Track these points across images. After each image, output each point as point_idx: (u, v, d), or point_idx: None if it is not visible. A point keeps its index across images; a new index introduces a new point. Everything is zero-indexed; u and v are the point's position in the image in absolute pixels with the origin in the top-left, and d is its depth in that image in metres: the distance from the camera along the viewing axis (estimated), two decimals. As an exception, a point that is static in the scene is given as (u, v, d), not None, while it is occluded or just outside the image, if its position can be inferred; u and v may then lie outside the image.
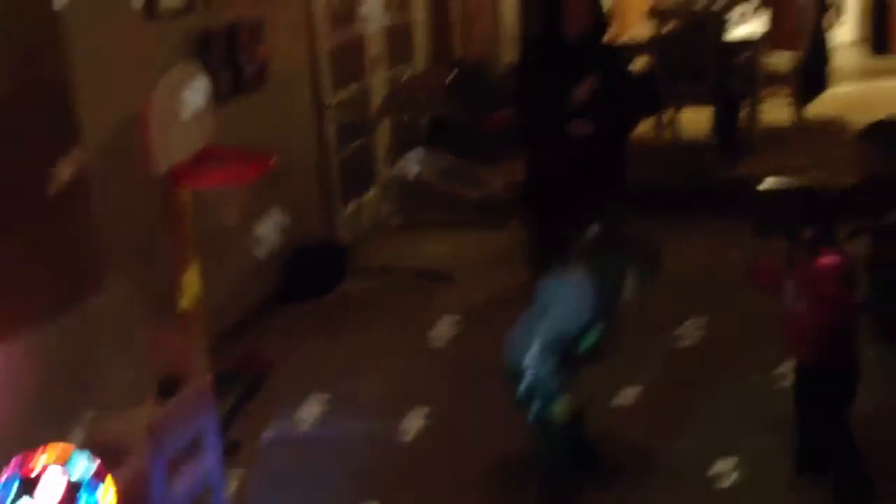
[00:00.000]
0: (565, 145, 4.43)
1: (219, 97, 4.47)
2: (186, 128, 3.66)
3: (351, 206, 6.09)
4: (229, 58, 4.66)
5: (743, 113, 7.14)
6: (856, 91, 9.07)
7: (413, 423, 3.90)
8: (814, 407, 3.33)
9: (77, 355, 3.60)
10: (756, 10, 7.96)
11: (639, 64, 7.57)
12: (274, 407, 4.20)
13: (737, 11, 7.61)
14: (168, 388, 3.51)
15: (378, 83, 6.43)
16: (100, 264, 3.71)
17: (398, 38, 6.98)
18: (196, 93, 3.80)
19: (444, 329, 4.74)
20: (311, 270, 5.42)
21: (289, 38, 5.33)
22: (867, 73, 9.92)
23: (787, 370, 3.43)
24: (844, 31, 11.51)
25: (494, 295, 5.17)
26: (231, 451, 3.83)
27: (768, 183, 6.20)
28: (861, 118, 7.79)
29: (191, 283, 3.84)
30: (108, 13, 3.80)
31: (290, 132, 5.37)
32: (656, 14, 6.96)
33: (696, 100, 6.94)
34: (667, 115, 7.41)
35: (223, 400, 4.02)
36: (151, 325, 3.78)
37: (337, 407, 4.11)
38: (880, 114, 7.98)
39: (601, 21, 4.56)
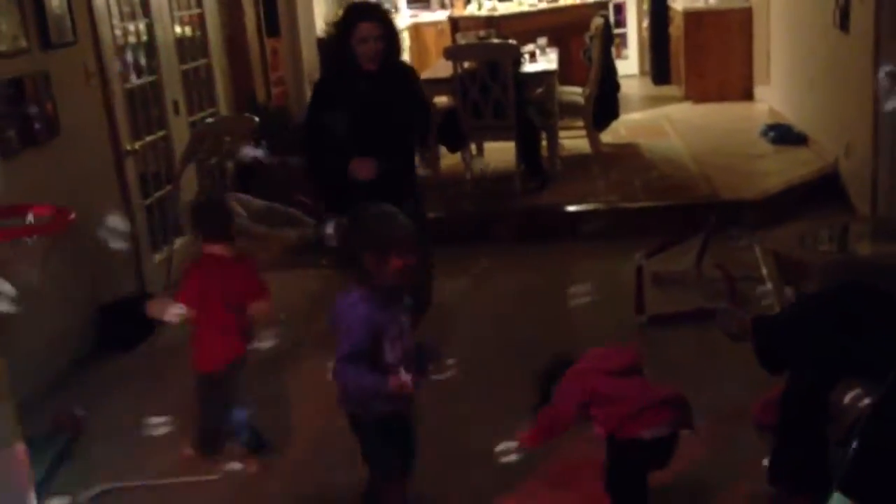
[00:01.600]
0: (353, 184, 4.28)
1: (7, 153, 4.32)
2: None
3: (159, 255, 5.89)
4: (14, 113, 4.43)
5: (544, 143, 7.43)
6: (644, 118, 9.66)
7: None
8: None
9: None
10: (545, 48, 8.35)
11: (442, 102, 7.77)
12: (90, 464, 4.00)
13: (527, 49, 7.96)
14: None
15: (181, 129, 6.29)
16: None
17: (199, 82, 6.86)
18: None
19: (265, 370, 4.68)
20: (121, 324, 5.21)
21: (80, 87, 5.13)
22: (652, 101, 10.60)
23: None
24: (629, 64, 12.35)
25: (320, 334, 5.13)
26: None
27: (575, 206, 6.53)
28: (650, 142, 8.39)
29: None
30: None
31: (90, 182, 5.15)
32: (453, 52, 7.15)
33: (500, 133, 7.16)
34: (471, 149, 7.66)
35: (36, 466, 3.80)
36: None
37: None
38: (668, 137, 8.62)
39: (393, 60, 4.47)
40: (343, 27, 4.30)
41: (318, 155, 4.54)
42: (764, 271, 4.91)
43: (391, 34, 4.38)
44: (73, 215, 3.64)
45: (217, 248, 3.81)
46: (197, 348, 3.82)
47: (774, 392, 3.51)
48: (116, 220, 3.72)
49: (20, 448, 3.21)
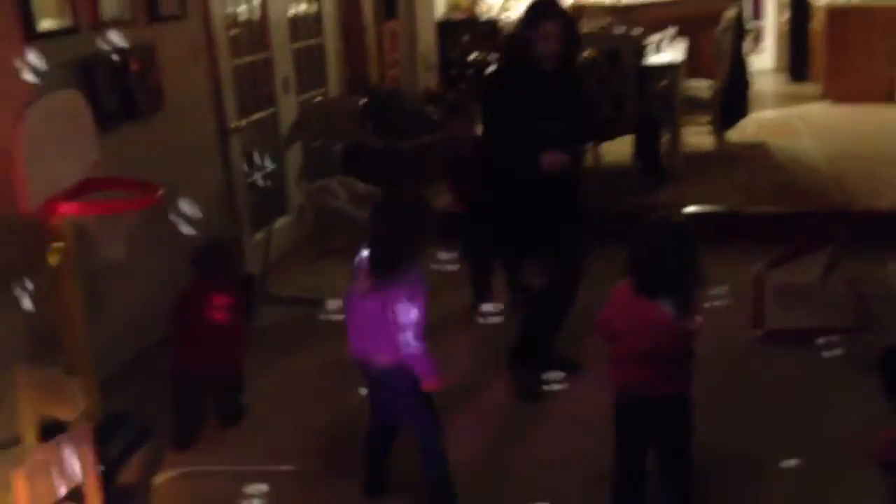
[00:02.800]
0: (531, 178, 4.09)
1: (108, 123, 4.23)
2: (62, 158, 3.39)
3: (259, 235, 5.81)
4: (118, 83, 4.37)
5: (664, 139, 7.06)
6: (776, 116, 9.13)
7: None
8: None
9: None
10: (673, 38, 7.93)
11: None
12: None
13: (653, 39, 7.56)
14: (49, 431, 3.25)
15: (288, 108, 6.19)
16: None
17: (310, 62, 6.76)
18: (76, 120, 3.53)
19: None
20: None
21: (186, 62, 5.05)
22: (787, 99, 10.03)
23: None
24: (764, 59, 11.73)
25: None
26: (120, 501, 3.55)
27: (693, 207, 6.15)
28: (781, 142, 7.89)
29: (74, 320, 3.56)
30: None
31: (192, 157, 5.09)
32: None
33: (617, 127, 6.82)
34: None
35: (112, 445, 3.74)
36: (31, 366, 3.47)
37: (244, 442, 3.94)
38: (800, 137, 8.10)
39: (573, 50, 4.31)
40: (527, 23, 4.14)
41: (499, 144, 4.32)
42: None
43: (572, 36, 4.21)
44: (160, 192, 3.54)
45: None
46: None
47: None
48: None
49: (90, 426, 3.13)
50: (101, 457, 3.47)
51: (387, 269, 3.19)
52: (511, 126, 4.14)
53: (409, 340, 3.17)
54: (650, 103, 6.87)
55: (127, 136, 4.44)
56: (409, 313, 3.15)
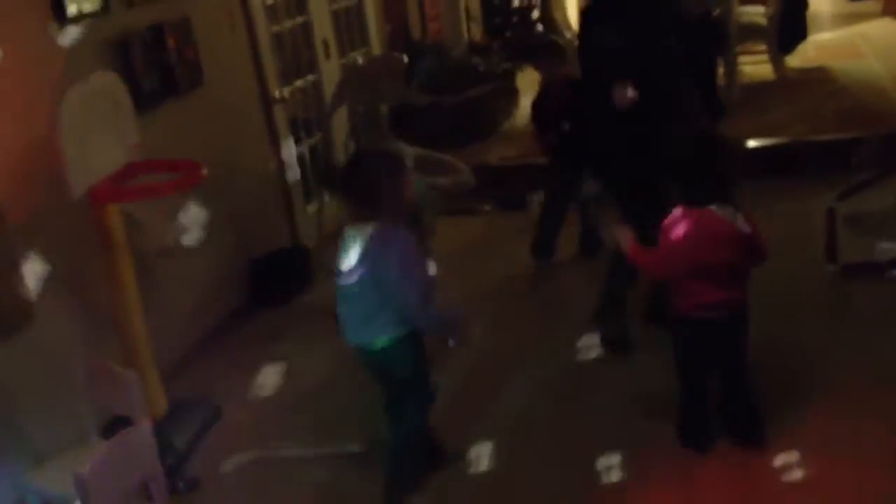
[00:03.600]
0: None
1: (148, 103, 4.15)
2: (104, 142, 3.32)
3: (311, 207, 5.73)
4: (155, 60, 4.28)
5: (721, 69, 6.79)
6: (836, 37, 8.76)
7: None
8: None
9: (7, 396, 3.27)
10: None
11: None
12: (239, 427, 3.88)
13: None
14: (113, 427, 3.22)
15: (331, 72, 6.06)
16: (25, 295, 3.35)
17: (350, 22, 6.61)
18: (114, 103, 3.46)
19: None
20: (275, 277, 5.08)
21: (222, 32, 4.95)
22: (845, 19, 9.62)
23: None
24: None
25: (478, 285, 4.85)
26: (190, 489, 3.52)
27: (756, 141, 5.92)
28: (844, 65, 7.56)
29: (131, 310, 3.52)
30: (9, 17, 3.43)
31: (237, 131, 5.01)
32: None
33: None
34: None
35: (181, 433, 3.71)
36: (90, 359, 3.43)
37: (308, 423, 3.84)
38: (863, 58, 7.75)
39: None
40: None
41: (592, 76, 4.07)
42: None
43: None
44: (203, 171, 3.46)
45: None
46: None
47: None
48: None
49: (150, 422, 3.08)
50: (169, 448, 3.46)
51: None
52: (595, 58, 3.93)
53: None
54: (703, 31, 6.59)
55: (168, 114, 4.36)
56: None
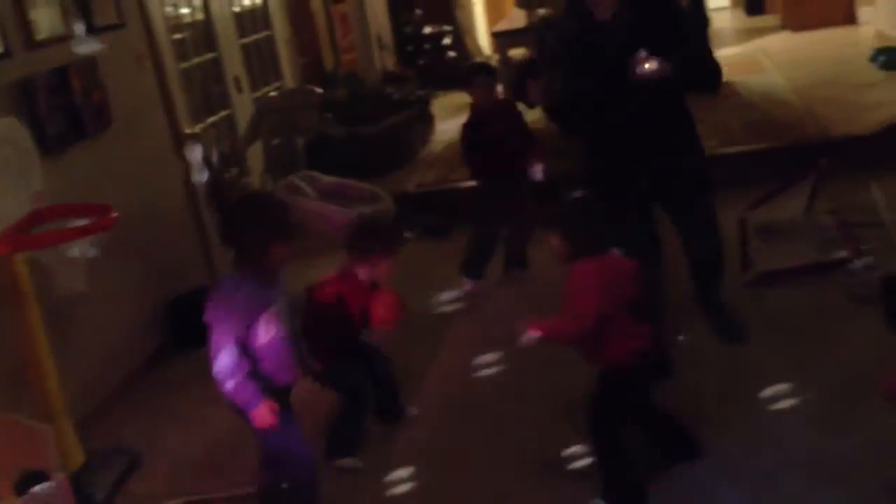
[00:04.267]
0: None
1: (54, 148, 4.08)
2: (6, 189, 3.23)
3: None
4: (60, 104, 4.19)
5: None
6: (739, 52, 9.01)
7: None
8: None
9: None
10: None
11: (518, 54, 7.33)
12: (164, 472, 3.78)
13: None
14: (27, 483, 3.11)
15: (244, 106, 6.02)
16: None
17: (262, 56, 6.58)
18: (16, 149, 3.37)
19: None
20: (194, 317, 4.97)
21: (130, 71, 4.88)
22: (746, 34, 9.92)
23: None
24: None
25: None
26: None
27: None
28: (747, 79, 7.77)
29: (41, 360, 3.41)
30: None
31: (149, 171, 4.93)
32: (524, 1, 6.70)
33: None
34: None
35: (100, 484, 3.60)
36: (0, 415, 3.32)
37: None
38: (766, 72, 7.98)
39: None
40: None
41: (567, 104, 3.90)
42: (885, 219, 4.37)
43: None
44: (114, 214, 3.39)
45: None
46: None
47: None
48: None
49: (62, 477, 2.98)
50: (88, 500, 3.36)
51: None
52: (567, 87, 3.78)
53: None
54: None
55: (76, 158, 4.28)
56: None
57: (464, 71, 5.30)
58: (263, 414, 2.91)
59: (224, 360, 2.86)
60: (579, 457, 3.12)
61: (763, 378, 3.68)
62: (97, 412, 4.18)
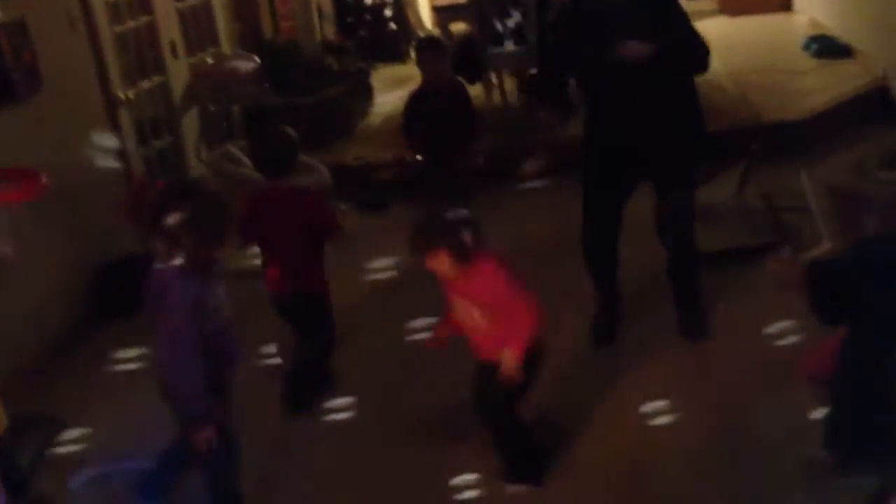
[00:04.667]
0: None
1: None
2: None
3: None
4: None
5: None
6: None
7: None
8: None
9: None
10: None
11: (459, 29, 7.30)
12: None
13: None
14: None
15: (179, 72, 5.90)
16: None
17: (198, 21, 6.45)
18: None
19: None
20: (122, 285, 4.90)
21: (62, 34, 4.75)
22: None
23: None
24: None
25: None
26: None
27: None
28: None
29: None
30: None
31: (80, 136, 4.80)
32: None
33: (520, 61, 6.70)
34: (494, 77, 7.18)
35: (24, 450, 3.55)
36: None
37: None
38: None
39: None
40: None
41: (566, 43, 3.93)
42: (813, 205, 4.48)
43: None
44: (44, 179, 3.32)
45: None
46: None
47: (828, 342, 3.14)
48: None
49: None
50: (12, 466, 3.31)
51: None
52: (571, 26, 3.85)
53: None
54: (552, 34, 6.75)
55: (5, 121, 4.16)
56: None
57: (415, 45, 5.27)
58: (205, 438, 2.86)
59: (180, 355, 2.81)
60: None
61: (684, 358, 3.79)
62: (19, 378, 4.10)
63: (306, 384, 3.83)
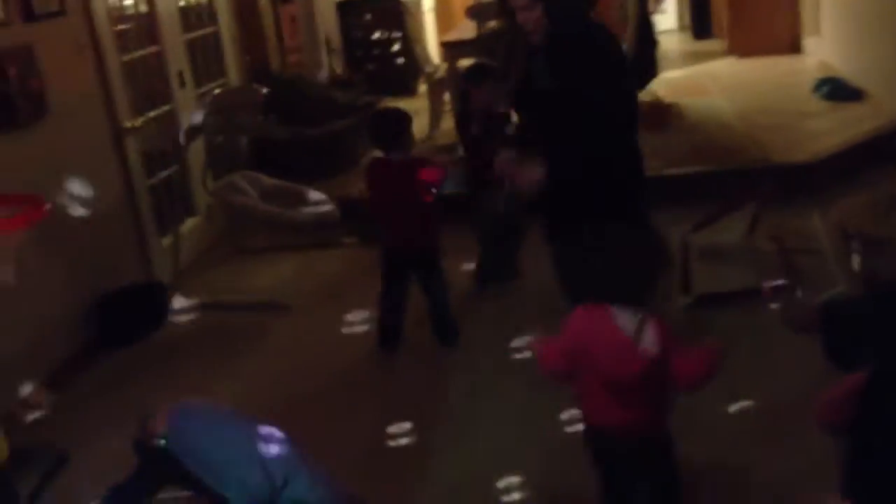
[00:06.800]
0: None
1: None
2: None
3: (166, 239, 5.52)
4: (-5, 92, 4.05)
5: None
6: (685, 75, 9.11)
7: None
8: None
9: None
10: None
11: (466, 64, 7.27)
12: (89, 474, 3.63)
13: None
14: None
15: (186, 102, 5.88)
16: None
17: (206, 52, 6.44)
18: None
19: (281, 368, 4.33)
20: (126, 315, 4.86)
21: (69, 61, 4.73)
22: (693, 57, 10.04)
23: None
24: (667, 18, 11.76)
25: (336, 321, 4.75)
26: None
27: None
28: (693, 102, 7.85)
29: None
30: None
31: (85, 163, 4.78)
32: (476, 12, 6.67)
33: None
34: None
35: (25, 481, 3.47)
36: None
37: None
38: (711, 95, 8.07)
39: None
40: None
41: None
42: (826, 246, 4.42)
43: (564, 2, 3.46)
44: (47, 206, 3.27)
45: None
46: None
47: (845, 386, 3.07)
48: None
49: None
50: (13, 497, 3.23)
51: None
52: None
53: None
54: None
55: (8, 147, 4.12)
56: None
57: (468, 71, 5.17)
58: None
59: None
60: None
61: (695, 400, 3.71)
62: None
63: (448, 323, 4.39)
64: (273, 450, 2.91)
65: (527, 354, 3.04)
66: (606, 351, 2.63)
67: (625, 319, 2.60)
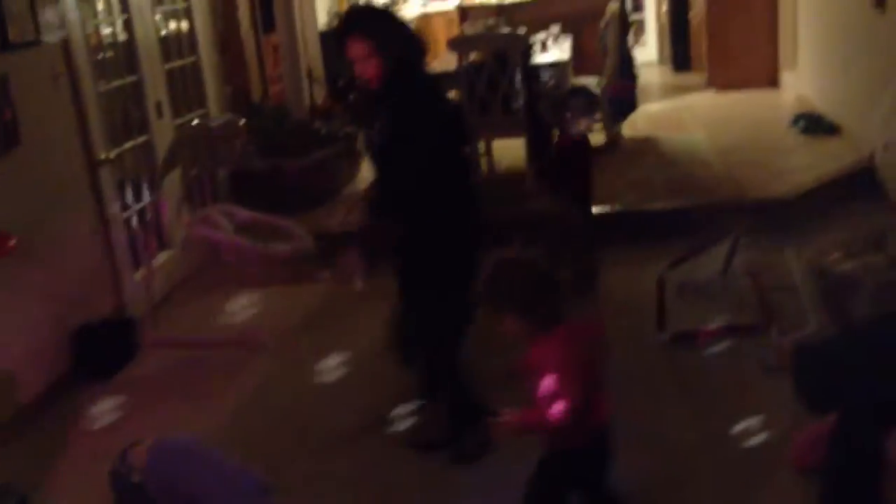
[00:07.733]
0: None
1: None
2: None
3: (140, 273, 5.47)
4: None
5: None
6: (664, 108, 9.16)
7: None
8: None
9: None
10: (557, 36, 7.86)
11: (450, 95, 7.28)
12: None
13: (538, 38, 7.48)
14: None
15: (164, 133, 5.85)
16: None
17: (186, 82, 6.42)
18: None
19: (251, 407, 4.28)
20: (98, 349, 4.80)
21: (46, 92, 4.70)
22: (672, 90, 10.11)
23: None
24: (647, 51, 11.87)
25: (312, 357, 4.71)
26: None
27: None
28: (671, 136, 7.89)
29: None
30: None
31: (58, 195, 4.75)
32: (457, 43, 6.69)
33: (508, 129, 6.70)
34: (480, 147, 7.16)
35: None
36: None
37: None
38: (689, 129, 8.12)
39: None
40: (339, 41, 3.55)
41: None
42: (800, 285, 4.43)
43: (389, 46, 3.44)
44: (12, 241, 3.23)
45: None
46: None
47: (818, 428, 3.06)
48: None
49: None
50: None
51: None
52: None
53: None
54: (539, 103, 6.77)
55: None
56: None
57: (562, 96, 5.33)
58: None
59: None
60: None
61: (669, 440, 3.68)
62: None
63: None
64: (249, 493, 2.91)
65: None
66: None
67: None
